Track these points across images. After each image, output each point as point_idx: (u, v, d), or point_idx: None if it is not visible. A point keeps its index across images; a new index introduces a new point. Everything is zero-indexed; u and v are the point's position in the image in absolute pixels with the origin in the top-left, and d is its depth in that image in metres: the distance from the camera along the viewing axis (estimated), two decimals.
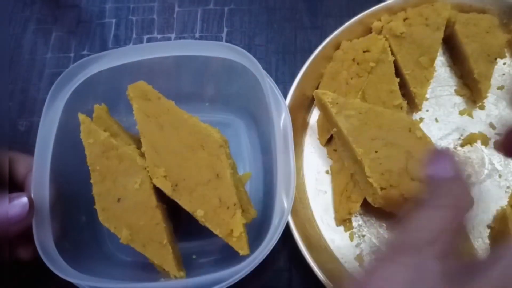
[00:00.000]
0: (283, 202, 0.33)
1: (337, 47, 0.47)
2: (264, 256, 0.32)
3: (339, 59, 0.46)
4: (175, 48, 0.40)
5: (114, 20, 0.54)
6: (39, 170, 0.34)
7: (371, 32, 0.47)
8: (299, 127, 0.46)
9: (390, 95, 0.43)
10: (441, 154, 0.27)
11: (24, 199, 0.31)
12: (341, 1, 0.52)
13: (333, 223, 0.43)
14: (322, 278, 0.37)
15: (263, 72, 0.37)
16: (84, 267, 0.33)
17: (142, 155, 0.36)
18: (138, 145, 0.37)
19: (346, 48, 0.46)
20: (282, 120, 0.36)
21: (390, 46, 0.45)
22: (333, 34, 0.46)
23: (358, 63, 0.44)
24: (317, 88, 0.47)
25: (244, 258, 0.33)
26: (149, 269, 0.37)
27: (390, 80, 0.44)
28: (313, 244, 0.41)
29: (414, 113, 0.46)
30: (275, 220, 0.33)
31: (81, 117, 0.35)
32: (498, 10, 0.46)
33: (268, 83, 0.37)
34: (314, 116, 0.47)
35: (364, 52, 0.44)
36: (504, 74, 0.47)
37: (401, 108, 0.44)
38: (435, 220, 0.23)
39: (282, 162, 0.34)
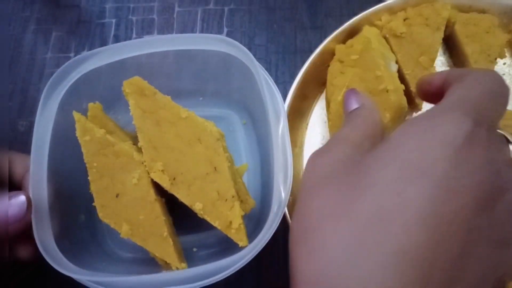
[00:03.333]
0: (281, 191, 0.33)
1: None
2: (264, 244, 0.31)
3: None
4: (164, 42, 0.39)
5: (114, 20, 0.54)
6: (36, 169, 0.34)
7: None
8: (299, 127, 0.46)
9: (375, 81, 0.42)
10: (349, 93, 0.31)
11: (22, 198, 0.31)
12: (341, 1, 0.52)
13: None
14: None
15: (256, 63, 0.36)
16: (85, 264, 0.33)
17: (139, 150, 0.36)
18: (134, 142, 0.37)
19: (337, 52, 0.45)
20: (277, 109, 0.36)
21: (390, 46, 0.45)
22: (333, 34, 0.46)
23: (341, 62, 0.44)
24: (317, 88, 0.47)
25: (244, 248, 0.32)
26: (150, 264, 0.37)
27: (374, 66, 0.42)
28: None
29: (414, 113, 0.46)
30: (273, 208, 0.32)
31: (76, 115, 0.35)
32: (498, 10, 0.46)
33: (261, 74, 0.36)
34: (314, 116, 0.47)
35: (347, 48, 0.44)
36: (504, 74, 0.47)
37: (387, 91, 0.41)
38: None
39: (279, 151, 0.34)
